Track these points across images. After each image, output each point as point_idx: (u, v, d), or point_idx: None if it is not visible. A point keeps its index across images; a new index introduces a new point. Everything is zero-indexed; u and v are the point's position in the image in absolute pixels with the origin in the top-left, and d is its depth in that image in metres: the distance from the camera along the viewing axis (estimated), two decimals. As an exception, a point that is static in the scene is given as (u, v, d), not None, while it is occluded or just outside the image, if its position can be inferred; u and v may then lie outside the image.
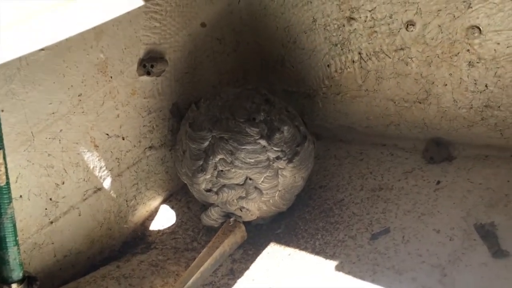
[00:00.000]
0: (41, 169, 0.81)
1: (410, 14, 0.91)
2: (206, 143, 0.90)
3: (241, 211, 0.93)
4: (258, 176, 0.89)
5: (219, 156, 0.88)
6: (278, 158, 0.89)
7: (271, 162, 0.89)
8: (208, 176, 0.90)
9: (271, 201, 0.93)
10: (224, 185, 0.90)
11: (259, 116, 0.90)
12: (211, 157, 0.89)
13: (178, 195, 1.08)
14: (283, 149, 0.89)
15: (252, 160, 0.88)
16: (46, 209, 0.83)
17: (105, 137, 0.91)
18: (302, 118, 0.98)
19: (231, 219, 0.93)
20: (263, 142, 0.88)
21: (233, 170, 0.89)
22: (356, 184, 1.01)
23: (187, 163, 0.93)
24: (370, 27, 0.97)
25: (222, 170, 0.89)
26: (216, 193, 0.91)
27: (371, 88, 1.04)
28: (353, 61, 1.03)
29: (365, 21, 0.96)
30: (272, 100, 0.95)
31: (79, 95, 0.84)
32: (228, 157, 0.88)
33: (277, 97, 0.98)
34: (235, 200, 0.91)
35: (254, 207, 0.93)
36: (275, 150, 0.89)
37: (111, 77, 0.89)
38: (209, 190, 0.92)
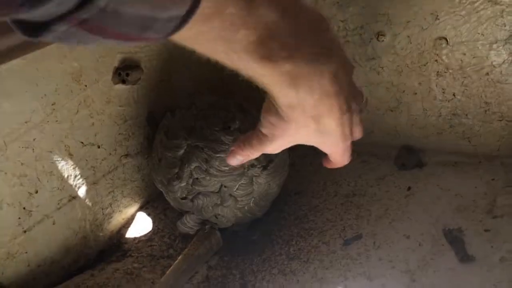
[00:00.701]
0: (14, 179, 0.80)
1: (380, 24, 0.93)
2: (181, 151, 0.91)
3: (217, 218, 0.94)
4: (232, 183, 0.90)
5: (194, 164, 0.89)
6: (252, 165, 0.90)
7: (245, 170, 0.90)
8: (183, 184, 0.91)
9: (246, 208, 0.94)
10: (199, 193, 0.91)
11: (234, 124, 0.91)
12: (186, 165, 0.89)
13: (155, 202, 1.08)
14: (258, 157, 0.90)
15: (227, 168, 0.89)
16: (19, 218, 0.82)
17: (80, 146, 0.91)
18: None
19: (207, 226, 0.94)
20: (237, 150, 0.89)
21: (208, 178, 0.89)
22: (331, 190, 1.03)
23: (162, 171, 0.93)
24: (343, 37, 0.99)
25: (197, 178, 0.90)
26: (192, 200, 0.92)
27: (344, 96, 1.05)
28: (327, 70, 1.04)
29: (338, 31, 0.98)
30: (246, 108, 0.96)
31: (52, 104, 0.84)
32: (203, 165, 0.89)
33: (252, 106, 0.99)
34: (211, 208, 0.92)
35: (229, 214, 0.93)
36: (249, 158, 0.90)
37: (86, 86, 0.89)
38: (184, 198, 0.92)
